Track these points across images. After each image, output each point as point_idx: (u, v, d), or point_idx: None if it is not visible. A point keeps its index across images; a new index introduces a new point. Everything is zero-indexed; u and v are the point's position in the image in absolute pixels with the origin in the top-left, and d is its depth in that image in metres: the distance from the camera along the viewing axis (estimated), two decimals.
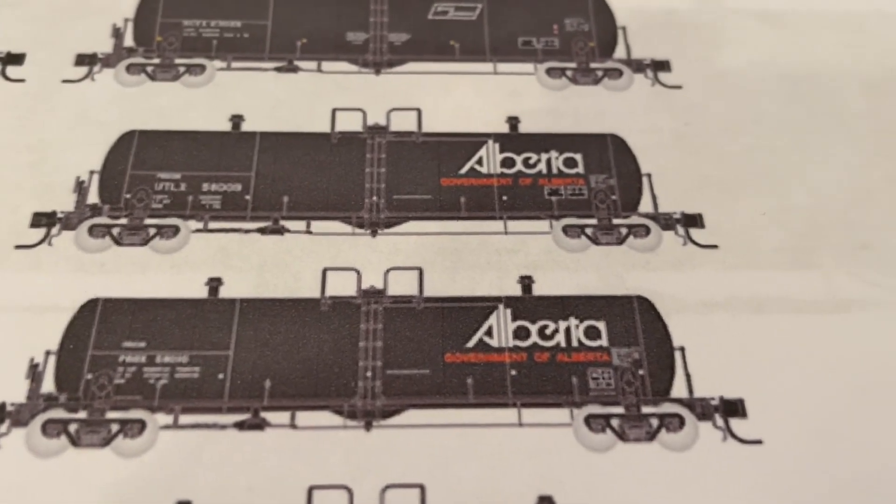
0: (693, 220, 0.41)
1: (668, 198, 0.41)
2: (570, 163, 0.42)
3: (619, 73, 0.45)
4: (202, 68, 0.45)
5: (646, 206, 0.41)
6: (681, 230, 0.40)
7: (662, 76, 0.45)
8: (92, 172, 0.41)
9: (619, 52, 0.46)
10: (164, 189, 0.41)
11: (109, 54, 0.45)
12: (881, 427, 0.35)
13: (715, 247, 0.40)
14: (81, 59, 0.45)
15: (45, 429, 0.34)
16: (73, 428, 0.34)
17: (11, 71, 0.44)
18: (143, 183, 0.41)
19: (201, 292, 0.38)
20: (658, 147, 0.43)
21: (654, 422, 0.35)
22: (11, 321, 0.37)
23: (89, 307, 0.37)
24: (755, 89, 0.45)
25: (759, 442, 0.35)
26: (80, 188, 0.41)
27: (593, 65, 0.46)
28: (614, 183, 0.42)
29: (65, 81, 0.44)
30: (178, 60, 0.45)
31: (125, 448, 0.34)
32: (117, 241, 0.39)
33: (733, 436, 0.35)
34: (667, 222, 0.41)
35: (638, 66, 0.46)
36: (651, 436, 0.35)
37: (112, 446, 0.34)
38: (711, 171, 0.42)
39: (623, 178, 0.42)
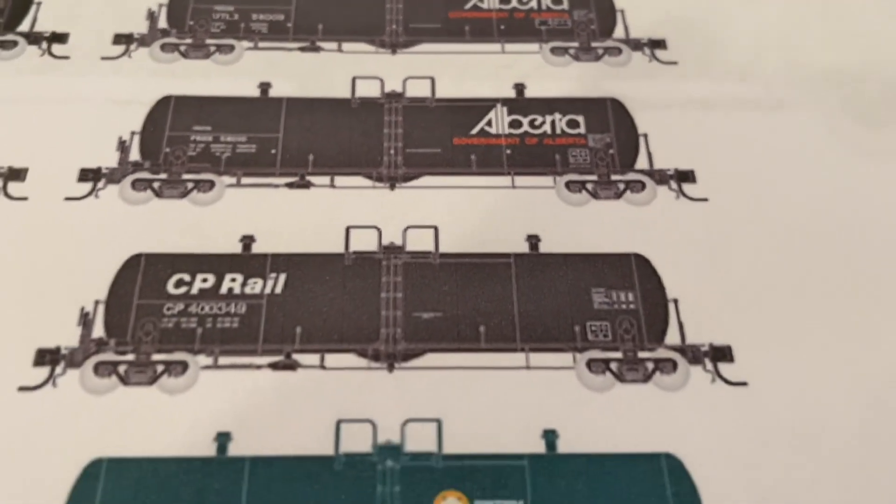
0: (658, 43, 0.49)
1: (638, 26, 0.50)
2: (558, 1, 0.51)
3: None
4: None
5: (619, 32, 0.50)
6: (647, 51, 0.49)
7: None
8: (160, 5, 0.50)
9: None
10: (220, 18, 0.49)
11: None
12: (803, 188, 0.44)
13: (675, 63, 0.48)
14: None
15: (134, 185, 0.43)
16: (156, 185, 0.43)
17: None
18: (203, 14, 0.49)
19: (254, 93, 0.47)
20: None
21: (621, 185, 0.44)
22: (101, 110, 0.45)
23: (164, 101, 0.46)
24: None
25: (705, 200, 0.43)
26: (151, 17, 0.49)
27: None
28: (594, 16, 0.50)
29: None
30: None
31: (199, 199, 0.43)
32: (184, 56, 0.48)
33: (684, 195, 0.44)
34: (636, 45, 0.49)
35: None
36: (618, 195, 0.44)
37: (189, 198, 0.43)
38: (674, 6, 0.51)
39: (601, 11, 0.50)
